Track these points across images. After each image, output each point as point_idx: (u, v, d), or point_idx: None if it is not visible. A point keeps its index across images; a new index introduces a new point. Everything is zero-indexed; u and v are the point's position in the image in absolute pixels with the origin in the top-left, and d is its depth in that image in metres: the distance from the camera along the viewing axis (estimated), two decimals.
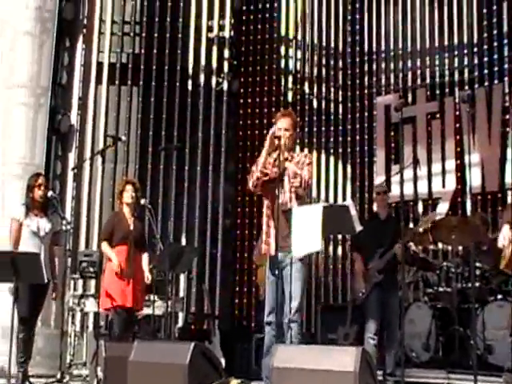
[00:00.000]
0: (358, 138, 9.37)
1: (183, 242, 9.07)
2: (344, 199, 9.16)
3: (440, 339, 6.81)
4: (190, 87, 9.66)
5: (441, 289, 7.10)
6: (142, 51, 9.35)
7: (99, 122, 8.94)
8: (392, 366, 5.80)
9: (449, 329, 6.76)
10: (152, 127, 9.18)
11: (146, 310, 6.27)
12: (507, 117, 8.19)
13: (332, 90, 9.77)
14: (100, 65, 9.12)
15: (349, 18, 9.74)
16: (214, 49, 9.98)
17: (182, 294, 8.75)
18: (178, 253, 6.13)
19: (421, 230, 6.50)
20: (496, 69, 8.44)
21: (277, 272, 4.71)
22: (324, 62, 9.89)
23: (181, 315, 8.21)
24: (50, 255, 5.80)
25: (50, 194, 5.80)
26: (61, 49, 8.56)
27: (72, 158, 8.54)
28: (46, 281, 5.36)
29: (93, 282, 7.47)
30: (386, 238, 5.89)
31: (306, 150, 9.57)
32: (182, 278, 8.75)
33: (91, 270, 6.94)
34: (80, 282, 7.76)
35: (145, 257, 6.14)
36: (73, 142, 8.60)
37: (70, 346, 7.12)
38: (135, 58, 9.28)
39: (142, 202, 6.27)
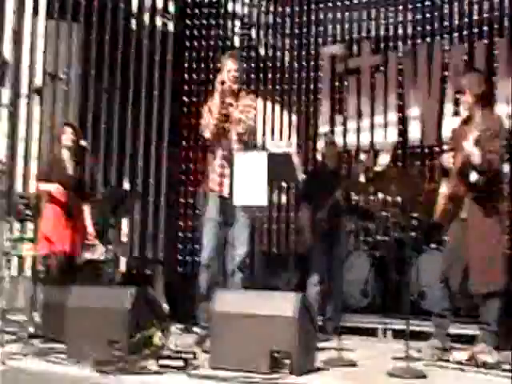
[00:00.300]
0: (303, 86, 9.32)
1: (126, 186, 8.92)
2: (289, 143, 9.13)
3: (377, 286, 7.05)
4: (133, 26, 9.37)
5: (379, 237, 7.29)
6: None
7: (36, 59, 8.56)
8: (332, 312, 5.92)
9: (386, 276, 7.01)
10: (94, 66, 8.88)
11: (87, 255, 6.16)
12: (446, 73, 8.29)
13: (278, 37, 9.64)
14: None
15: None
16: None
17: (124, 238, 8.65)
18: (120, 197, 6.03)
19: (362, 179, 6.57)
20: (437, 25, 8.49)
21: (221, 216, 4.67)
22: (272, 8, 9.71)
23: (123, 260, 8.13)
24: None
25: None
26: None
27: (7, 94, 8.18)
28: None
29: (30, 226, 7.28)
30: (335, 190, 5.91)
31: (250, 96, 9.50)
32: (125, 222, 8.63)
33: (28, 212, 6.73)
34: (16, 226, 7.55)
35: (86, 208, 5.99)
36: (6, 78, 8.21)
37: (5, 292, 6.95)
38: None
39: (83, 143, 6.09)
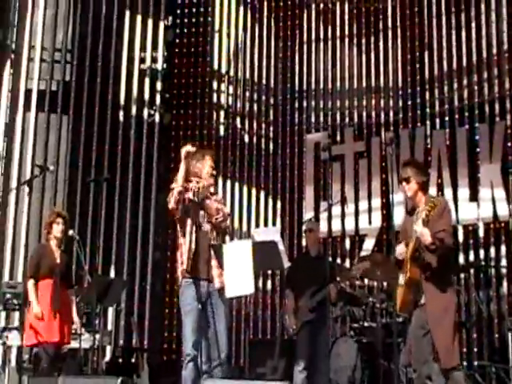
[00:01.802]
0: (287, 174, 9.52)
1: (112, 274, 8.93)
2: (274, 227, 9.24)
3: (365, 373, 6.95)
4: (121, 118, 9.62)
5: (366, 323, 7.25)
6: (73, 79, 9.25)
7: (27, 151, 8.76)
8: None
9: (374, 363, 6.92)
10: (82, 157, 9.06)
11: (73, 344, 6.11)
12: (429, 158, 8.53)
13: (263, 125, 9.92)
14: (29, 92, 8.97)
15: (280, 55, 9.96)
16: (147, 80, 9.99)
17: (110, 327, 8.59)
18: (106, 285, 6.04)
19: (357, 275, 6.65)
20: (418, 112, 8.82)
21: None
22: (256, 97, 10.05)
23: (109, 349, 8.05)
24: None
25: None
26: None
27: None
28: None
29: (16, 315, 7.23)
30: (318, 276, 5.96)
31: (236, 184, 9.70)
32: (111, 310, 8.59)
33: (15, 302, 6.72)
34: (3, 315, 7.50)
35: (71, 293, 6.01)
36: None
37: None
38: (66, 85, 9.18)
39: (70, 233, 6.16)
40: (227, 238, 6.35)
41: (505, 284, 7.98)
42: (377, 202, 8.78)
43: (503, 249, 8.04)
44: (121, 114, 9.63)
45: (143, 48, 10.03)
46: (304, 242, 7.88)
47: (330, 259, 7.43)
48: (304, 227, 6.77)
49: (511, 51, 8.34)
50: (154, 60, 10.13)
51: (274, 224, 9.41)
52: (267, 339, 8.73)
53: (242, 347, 8.48)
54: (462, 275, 7.90)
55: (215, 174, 5.03)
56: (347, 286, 7.22)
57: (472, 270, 7.96)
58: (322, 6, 9.79)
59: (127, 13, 9.85)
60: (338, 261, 8.62)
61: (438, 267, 4.65)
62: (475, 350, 7.82)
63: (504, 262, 8.03)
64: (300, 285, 6.07)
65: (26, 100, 8.89)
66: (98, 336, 6.22)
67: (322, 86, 9.63)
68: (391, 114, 9.09)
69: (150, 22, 10.09)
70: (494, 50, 8.44)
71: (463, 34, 8.67)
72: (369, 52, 9.35)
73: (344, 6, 9.59)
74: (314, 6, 9.84)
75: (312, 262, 6.16)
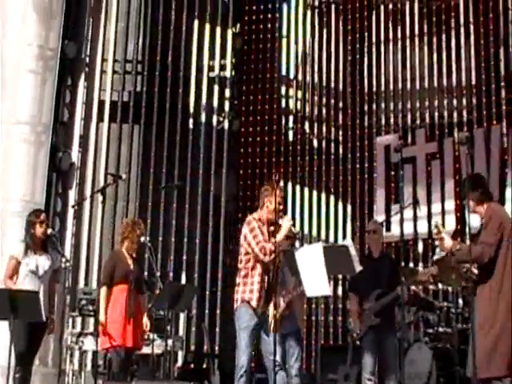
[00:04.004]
0: (358, 177, 9.41)
1: (183, 280, 9.03)
2: (344, 239, 9.14)
3: (441, 380, 6.78)
4: (191, 126, 9.74)
5: (441, 329, 7.06)
6: (144, 89, 9.44)
7: (100, 160, 8.99)
8: None
9: (449, 369, 6.71)
10: (153, 165, 9.23)
11: (145, 349, 6.20)
12: (506, 157, 8.25)
13: (332, 129, 9.85)
14: (102, 103, 9.22)
15: (349, 58, 9.86)
16: (216, 88, 10.09)
17: (181, 332, 8.68)
18: (178, 292, 6.08)
19: (423, 279, 6.48)
20: (494, 110, 8.54)
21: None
22: (324, 101, 9.98)
23: (180, 354, 8.13)
24: (50, 292, 5.75)
25: (49, 231, 5.77)
26: (63, 87, 8.66)
27: (72, 195, 8.56)
28: (44, 319, 5.31)
29: (91, 320, 7.40)
30: (381, 279, 5.84)
31: (306, 190, 9.65)
32: (182, 316, 8.68)
33: (90, 307, 6.88)
34: (79, 320, 7.69)
35: (143, 298, 6.09)
36: (73, 180, 8.64)
37: None
38: (137, 96, 9.37)
39: (142, 239, 6.24)
40: (297, 243, 6.34)
41: None
42: (450, 204, 8.55)
43: None
44: (190, 121, 9.75)
45: (212, 56, 10.14)
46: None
47: (402, 263, 7.28)
48: (366, 228, 6.62)
49: None
50: (222, 68, 10.22)
51: (344, 228, 9.31)
52: (339, 345, 8.63)
53: (314, 353, 8.41)
54: None
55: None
56: (420, 291, 7.04)
57: None
58: (390, 6, 9.64)
59: (196, 22, 9.97)
60: (411, 265, 8.42)
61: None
62: None
63: None
64: (364, 288, 5.94)
65: (99, 111, 9.13)
66: (169, 341, 6.29)
67: (391, 87, 9.49)
68: (464, 113, 8.85)
69: (218, 30, 10.19)
70: None
71: None
72: (440, 51, 9.14)
73: (414, 5, 9.41)
74: (382, 6, 9.69)
75: (375, 263, 6.03)
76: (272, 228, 5.04)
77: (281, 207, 5.11)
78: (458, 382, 6.45)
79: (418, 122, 9.22)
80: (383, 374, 5.80)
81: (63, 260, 5.73)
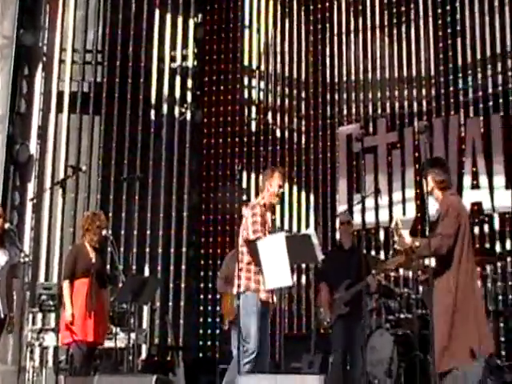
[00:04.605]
0: (320, 167, 9.45)
1: (146, 272, 8.99)
2: (307, 228, 9.19)
3: (402, 365, 6.85)
4: (152, 117, 9.67)
5: (402, 315, 7.15)
6: (105, 80, 9.33)
7: (60, 152, 8.86)
8: None
9: (410, 355, 6.80)
10: (114, 157, 9.14)
11: (108, 343, 6.15)
12: (463, 146, 8.39)
13: (295, 120, 9.87)
14: (60, 94, 9.07)
15: (311, 49, 9.87)
16: (178, 78, 10.02)
17: (145, 325, 8.64)
18: (141, 284, 6.05)
19: (392, 267, 6.57)
20: (452, 100, 8.66)
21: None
22: (287, 92, 9.99)
23: (144, 347, 8.09)
24: (8, 288, 5.65)
25: (7, 225, 5.67)
26: (19, 76, 8.48)
27: (31, 188, 8.42)
28: (2, 316, 5.23)
29: (52, 316, 7.31)
30: (352, 269, 5.92)
31: None
32: (145, 309, 8.64)
33: (51, 303, 6.79)
34: (39, 316, 7.59)
35: (106, 292, 6.04)
36: (32, 172, 8.49)
37: (28, 383, 6.93)
38: (97, 86, 9.26)
39: (104, 232, 6.18)
40: None
41: None
42: (411, 192, 8.66)
43: None
44: (152, 112, 9.68)
45: (173, 46, 10.05)
46: (338, 236, 7.81)
47: (364, 251, 7.36)
48: (337, 220, 6.70)
49: None
50: (184, 58, 10.15)
51: (307, 218, 9.36)
52: (302, 334, 8.69)
53: (278, 342, 8.45)
54: (499, 263, 7.76)
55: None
56: (382, 278, 7.13)
57: (509, 258, 7.81)
58: None
59: (157, 12, 9.88)
60: (373, 253, 8.53)
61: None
62: None
63: None
64: (334, 278, 6.03)
65: (58, 102, 8.99)
66: (133, 335, 6.26)
67: (353, 78, 9.53)
68: (424, 103, 8.95)
69: (179, 20, 10.11)
70: None
71: (497, 19, 8.47)
72: (400, 42, 9.20)
73: None
74: None
75: (346, 255, 6.11)
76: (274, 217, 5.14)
77: (281, 190, 5.19)
78: (419, 366, 6.56)
79: (379, 111, 9.28)
80: (349, 361, 5.88)
81: (22, 255, 5.63)
